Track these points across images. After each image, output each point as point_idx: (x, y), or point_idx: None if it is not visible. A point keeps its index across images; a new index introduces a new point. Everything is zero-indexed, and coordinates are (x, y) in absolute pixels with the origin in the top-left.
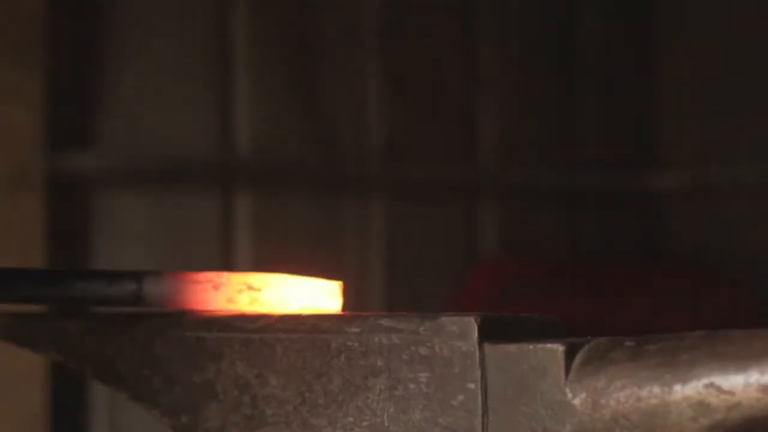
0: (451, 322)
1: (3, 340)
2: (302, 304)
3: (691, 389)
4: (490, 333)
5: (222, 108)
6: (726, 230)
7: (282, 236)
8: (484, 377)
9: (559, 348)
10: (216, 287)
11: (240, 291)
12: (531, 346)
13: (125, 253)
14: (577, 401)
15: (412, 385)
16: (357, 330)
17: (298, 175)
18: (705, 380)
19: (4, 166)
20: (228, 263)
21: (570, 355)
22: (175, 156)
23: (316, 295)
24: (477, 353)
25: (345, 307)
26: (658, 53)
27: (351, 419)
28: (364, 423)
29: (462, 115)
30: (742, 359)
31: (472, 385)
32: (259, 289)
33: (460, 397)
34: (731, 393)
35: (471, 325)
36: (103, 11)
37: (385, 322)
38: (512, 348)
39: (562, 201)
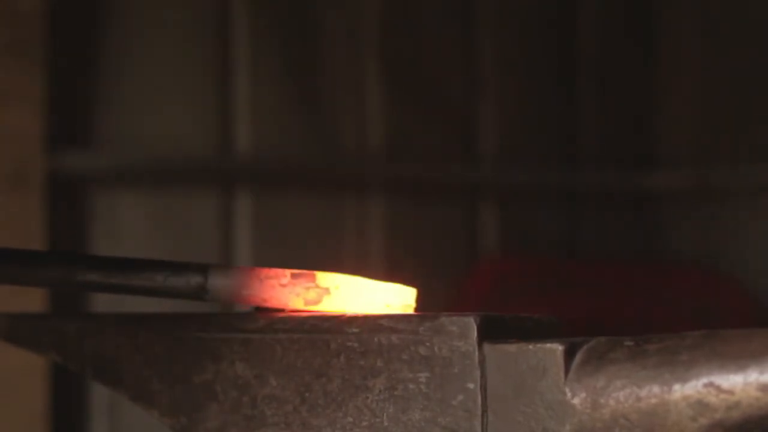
0: (450, 322)
1: (3, 341)
2: (373, 306)
3: (690, 389)
4: (489, 333)
5: (222, 108)
6: (726, 230)
7: (282, 236)
8: (483, 377)
9: (558, 348)
10: (284, 284)
11: (308, 289)
12: (531, 346)
13: (125, 253)
14: (576, 401)
15: (411, 386)
16: (357, 330)
17: (298, 174)
18: (704, 379)
19: (4, 166)
20: (228, 262)
21: (570, 355)
22: (175, 156)
23: (389, 300)
24: (476, 353)
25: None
26: (659, 53)
27: (350, 419)
28: (364, 423)
29: (462, 115)
30: (741, 359)
31: (471, 385)
32: (327, 289)
33: (460, 397)
34: (730, 392)
35: (470, 325)
36: (103, 12)
37: (384, 322)
38: (512, 348)
39: (562, 201)
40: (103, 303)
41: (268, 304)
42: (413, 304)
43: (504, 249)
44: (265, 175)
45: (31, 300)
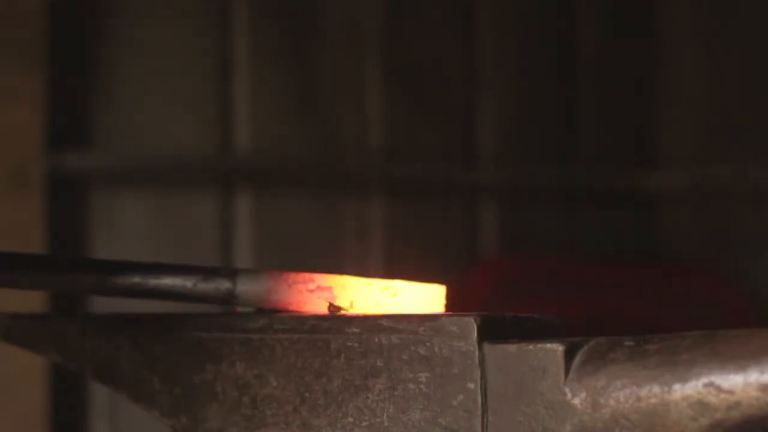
0: (450, 322)
1: (3, 341)
2: (403, 307)
3: (690, 388)
4: (489, 333)
5: (222, 108)
6: (726, 230)
7: (282, 236)
8: (483, 377)
9: (559, 348)
10: (312, 289)
11: (334, 295)
12: (531, 346)
13: (125, 253)
14: (576, 401)
15: (411, 385)
16: (357, 330)
17: (298, 174)
18: (704, 379)
19: (4, 166)
20: (228, 263)
21: (570, 355)
22: (175, 156)
23: (419, 299)
24: (476, 353)
25: (447, 310)
26: (659, 53)
27: (351, 419)
28: (364, 423)
29: (462, 115)
30: (741, 359)
31: (471, 385)
32: (353, 294)
33: (460, 397)
34: (731, 392)
35: (470, 325)
36: (103, 12)
37: (385, 322)
38: (512, 348)
39: (562, 201)
40: (103, 303)
41: (294, 308)
42: (444, 301)
43: (504, 249)
44: (265, 175)
45: (31, 300)
